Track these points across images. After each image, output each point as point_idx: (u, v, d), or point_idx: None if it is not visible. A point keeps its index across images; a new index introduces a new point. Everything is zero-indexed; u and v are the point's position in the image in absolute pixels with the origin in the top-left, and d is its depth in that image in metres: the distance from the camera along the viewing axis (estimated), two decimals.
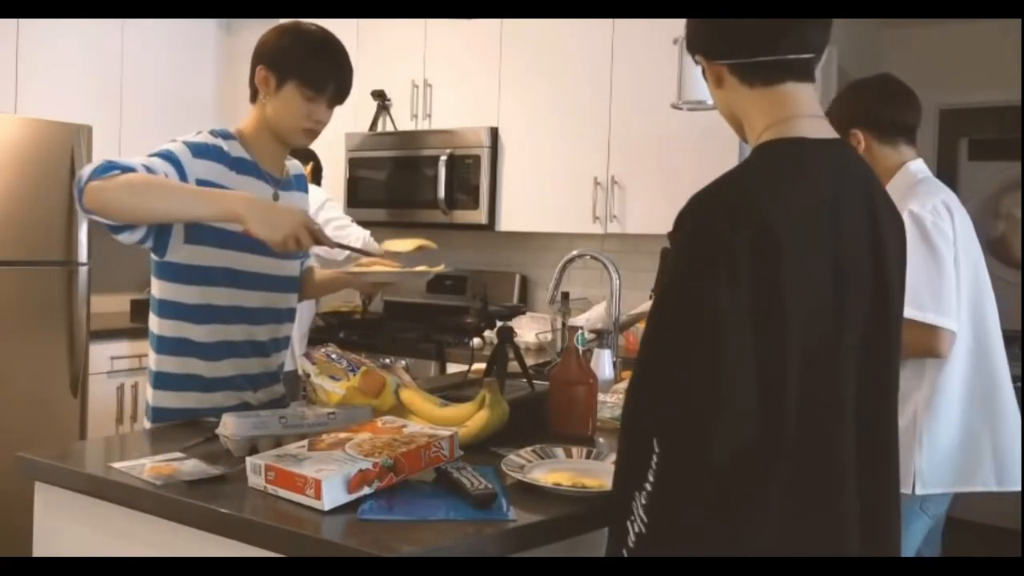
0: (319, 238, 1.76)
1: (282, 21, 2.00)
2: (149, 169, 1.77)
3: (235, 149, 1.93)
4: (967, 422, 2.08)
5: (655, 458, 1.13)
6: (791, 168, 1.22)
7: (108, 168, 1.70)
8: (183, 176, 1.82)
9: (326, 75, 1.89)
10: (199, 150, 1.87)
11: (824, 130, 1.28)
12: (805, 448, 1.17)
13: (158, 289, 1.95)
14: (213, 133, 1.93)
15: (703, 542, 1.13)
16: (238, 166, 1.92)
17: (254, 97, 1.96)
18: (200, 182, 1.84)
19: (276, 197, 1.98)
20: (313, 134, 1.96)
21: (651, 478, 1.13)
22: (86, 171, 1.70)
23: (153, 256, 1.92)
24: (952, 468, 2.07)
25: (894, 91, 2.23)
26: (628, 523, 1.16)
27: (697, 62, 1.37)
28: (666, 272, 1.21)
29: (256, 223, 1.69)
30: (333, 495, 1.34)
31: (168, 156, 1.83)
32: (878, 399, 1.27)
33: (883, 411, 1.29)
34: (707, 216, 1.17)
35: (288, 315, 2.09)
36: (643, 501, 1.14)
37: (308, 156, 3.63)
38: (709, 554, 1.13)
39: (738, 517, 1.14)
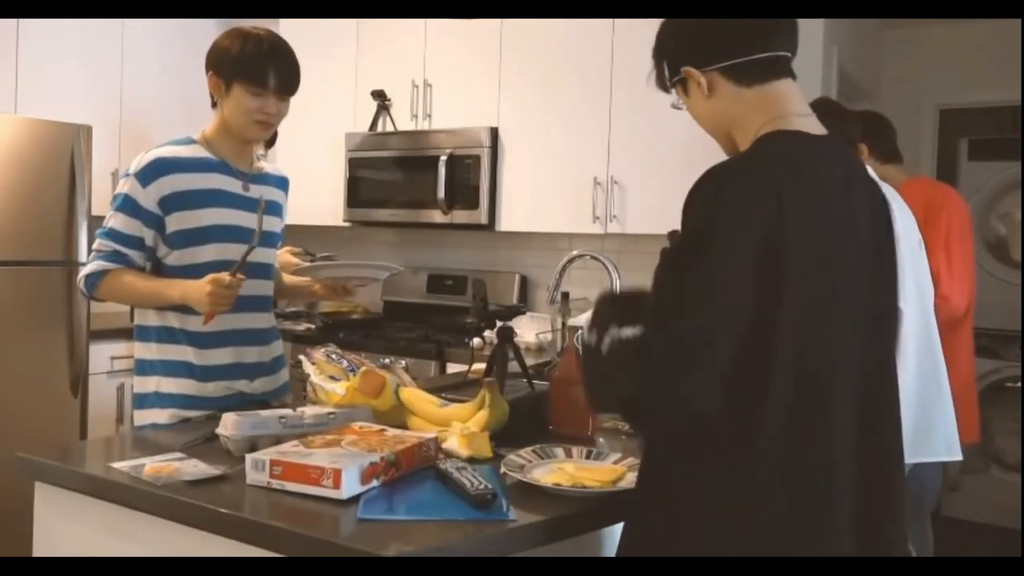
0: (233, 277, 1.86)
1: (234, 26, 2.09)
2: (118, 253, 1.95)
3: (197, 152, 2.03)
4: (921, 398, 2.19)
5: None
6: (800, 152, 1.24)
7: (91, 284, 1.97)
8: (142, 212, 1.95)
9: (265, 70, 1.98)
10: (149, 174, 1.96)
11: (817, 128, 1.31)
12: (799, 413, 1.18)
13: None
14: (173, 142, 2.04)
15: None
16: (203, 166, 2.02)
17: (214, 103, 2.06)
18: (165, 199, 1.95)
19: (246, 188, 2.07)
20: (266, 126, 2.04)
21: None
22: (81, 283, 1.98)
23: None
24: (909, 441, 2.15)
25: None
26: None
27: (673, 82, 1.39)
28: (679, 237, 1.21)
29: (197, 305, 1.90)
30: (351, 484, 1.38)
31: (123, 205, 1.96)
32: (878, 391, 1.30)
33: (885, 395, 1.32)
34: (723, 188, 1.18)
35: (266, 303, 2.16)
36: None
37: None
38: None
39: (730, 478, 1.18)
